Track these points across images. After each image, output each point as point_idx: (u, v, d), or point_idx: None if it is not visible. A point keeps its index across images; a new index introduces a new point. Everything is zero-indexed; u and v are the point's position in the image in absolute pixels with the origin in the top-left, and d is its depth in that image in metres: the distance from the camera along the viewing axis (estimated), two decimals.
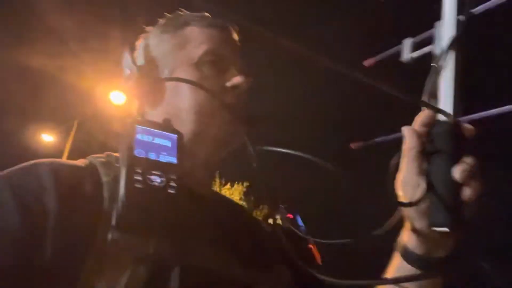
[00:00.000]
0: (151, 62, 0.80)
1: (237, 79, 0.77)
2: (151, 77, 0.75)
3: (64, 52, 5.98)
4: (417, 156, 0.63)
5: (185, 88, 0.75)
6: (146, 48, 0.82)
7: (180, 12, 0.85)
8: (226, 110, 0.74)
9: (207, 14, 0.84)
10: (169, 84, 0.77)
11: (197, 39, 0.79)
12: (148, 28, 0.86)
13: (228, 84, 0.77)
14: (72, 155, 6.73)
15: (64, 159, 0.65)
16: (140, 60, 0.81)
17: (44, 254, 0.52)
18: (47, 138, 8.19)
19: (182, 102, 0.75)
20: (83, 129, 7.11)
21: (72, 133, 6.82)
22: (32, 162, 0.61)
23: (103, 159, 0.67)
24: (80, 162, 0.66)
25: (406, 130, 0.65)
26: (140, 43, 0.84)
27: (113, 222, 0.54)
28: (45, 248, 0.52)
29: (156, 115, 0.75)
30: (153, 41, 0.82)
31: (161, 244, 0.56)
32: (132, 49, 0.80)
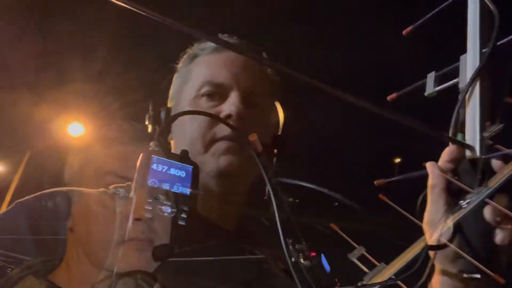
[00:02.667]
0: (169, 100, 0.83)
1: (228, 109, 0.75)
2: (160, 118, 0.77)
3: (16, 85, 5.54)
4: (442, 193, 0.59)
5: (185, 123, 0.76)
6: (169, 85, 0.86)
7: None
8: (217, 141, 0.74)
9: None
10: (177, 120, 0.78)
11: (198, 70, 0.80)
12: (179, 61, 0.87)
13: (222, 115, 0.75)
14: (21, 189, 6.10)
15: (80, 188, 0.66)
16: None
17: None
18: None
19: (183, 138, 0.77)
20: (36, 161, 6.43)
21: (22, 166, 6.31)
22: (49, 190, 0.62)
23: (122, 189, 0.67)
24: (98, 191, 0.66)
25: (429, 166, 0.62)
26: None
27: (120, 254, 0.55)
28: None
29: (176, 147, 0.79)
30: (175, 76, 0.85)
31: (167, 276, 0.56)
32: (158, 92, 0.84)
